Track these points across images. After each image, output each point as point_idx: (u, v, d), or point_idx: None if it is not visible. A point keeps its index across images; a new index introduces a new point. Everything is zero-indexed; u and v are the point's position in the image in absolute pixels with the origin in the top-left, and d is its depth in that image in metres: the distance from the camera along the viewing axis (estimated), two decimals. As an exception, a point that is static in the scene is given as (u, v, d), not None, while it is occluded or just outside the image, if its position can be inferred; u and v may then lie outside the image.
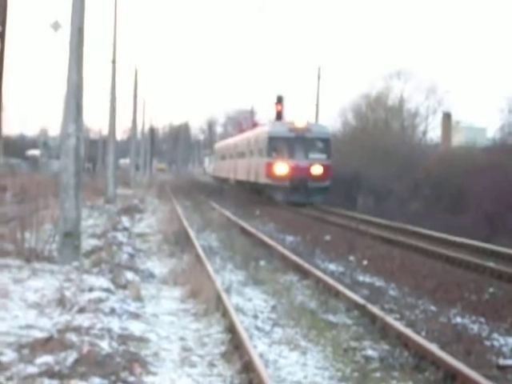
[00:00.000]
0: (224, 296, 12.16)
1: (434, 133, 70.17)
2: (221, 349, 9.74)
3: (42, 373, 7.76)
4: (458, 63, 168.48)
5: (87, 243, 18.65)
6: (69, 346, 8.51)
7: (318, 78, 64.57)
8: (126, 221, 25.62)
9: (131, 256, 16.96)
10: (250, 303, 12.98)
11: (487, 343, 10.74)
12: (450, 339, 10.66)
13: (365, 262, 18.46)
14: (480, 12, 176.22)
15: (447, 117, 67.95)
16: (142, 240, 21.81)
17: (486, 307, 13.18)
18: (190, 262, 16.32)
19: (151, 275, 15.27)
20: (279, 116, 51.02)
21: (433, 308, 13.14)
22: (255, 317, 11.87)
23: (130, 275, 13.81)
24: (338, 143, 50.93)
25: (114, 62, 39.10)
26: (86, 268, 14.77)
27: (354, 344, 10.33)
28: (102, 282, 12.53)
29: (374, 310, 11.92)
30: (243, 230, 25.20)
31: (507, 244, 22.62)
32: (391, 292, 14.68)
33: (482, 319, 12.32)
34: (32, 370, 7.85)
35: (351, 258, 19.30)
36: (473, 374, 8.38)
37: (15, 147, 78.61)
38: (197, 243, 19.62)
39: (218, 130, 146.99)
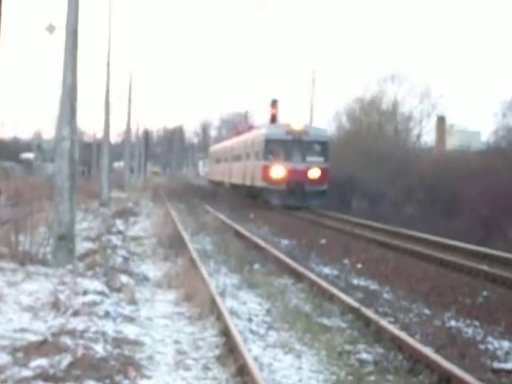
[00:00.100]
0: (218, 299, 12.15)
1: (428, 136, 70.38)
2: (215, 352, 9.73)
3: (36, 376, 7.75)
4: (451, 67, 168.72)
5: (81, 246, 18.62)
6: (63, 349, 8.50)
7: (313, 81, 64.86)
8: (120, 224, 25.60)
9: (125, 259, 16.94)
10: (244, 306, 12.97)
11: (481, 346, 10.75)
12: (444, 342, 10.67)
13: (359, 266, 18.47)
14: (474, 16, 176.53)
15: (441, 120, 68.14)
16: (136, 243, 21.79)
17: (480, 310, 13.20)
18: (185, 265, 16.29)
19: (145, 278, 15.26)
20: (273, 119, 50.90)
21: (427, 311, 13.15)
22: (250, 320, 11.87)
23: (124, 278, 13.79)
24: (333, 147, 50.90)
25: (108, 64, 39.08)
26: (81, 271, 14.75)
27: (348, 347, 10.33)
28: (96, 285, 12.51)
29: (369, 313, 11.93)
30: (237, 234, 25.19)
31: (501, 247, 22.68)
32: (385, 295, 14.70)
33: (477, 322, 12.34)
34: (26, 373, 7.84)
35: (346, 261, 19.31)
36: (467, 378, 8.39)
37: (9, 150, 78.67)
38: (191, 246, 19.60)
39: (212, 133, 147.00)
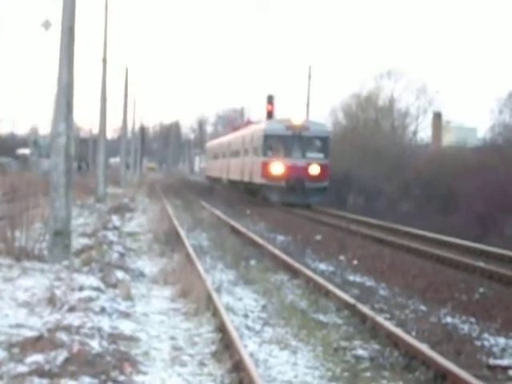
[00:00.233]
0: (214, 295, 12.14)
1: (425, 133, 70.45)
2: (211, 348, 9.72)
3: (32, 372, 7.74)
4: (448, 63, 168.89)
5: (77, 242, 18.61)
6: (59, 345, 8.49)
7: (309, 77, 64.67)
8: (116, 220, 25.58)
9: (121, 255, 16.92)
10: (240, 302, 12.97)
11: (477, 343, 10.76)
12: (440, 339, 10.67)
13: (355, 262, 18.48)
14: (470, 12, 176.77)
15: (437, 117, 68.17)
16: (132, 239, 21.77)
17: (477, 307, 13.20)
18: (181, 261, 16.28)
19: (141, 274, 15.25)
20: (270, 115, 50.68)
21: (423, 308, 13.15)
22: (246, 316, 11.87)
23: (120, 274, 13.78)
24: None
25: (104, 60, 38.98)
26: (76, 267, 14.73)
27: (344, 343, 10.33)
28: (92, 280, 12.50)
29: (365, 309, 11.92)
30: (234, 230, 25.19)
31: (498, 244, 22.72)
32: (381, 292, 14.70)
33: (473, 319, 12.35)
34: (22, 368, 7.83)
35: (342, 257, 19.30)
36: (463, 374, 8.39)
37: (5, 146, 78.57)
38: (187, 242, 19.59)
39: (209, 129, 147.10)
